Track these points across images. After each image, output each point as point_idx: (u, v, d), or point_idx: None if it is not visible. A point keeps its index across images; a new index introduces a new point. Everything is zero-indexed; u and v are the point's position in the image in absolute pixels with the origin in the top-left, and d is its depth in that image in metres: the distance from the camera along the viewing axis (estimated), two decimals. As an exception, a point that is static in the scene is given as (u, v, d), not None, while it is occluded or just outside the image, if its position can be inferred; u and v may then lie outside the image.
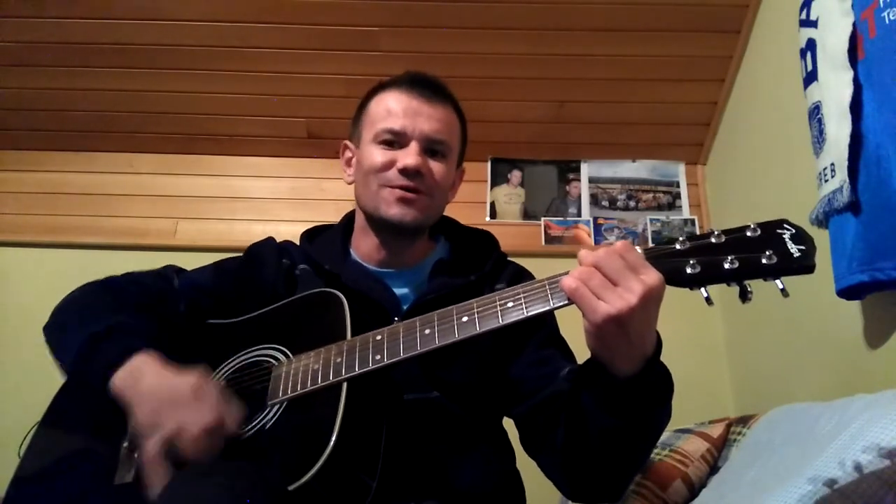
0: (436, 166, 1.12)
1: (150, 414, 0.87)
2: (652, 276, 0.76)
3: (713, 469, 1.30)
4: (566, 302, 0.80)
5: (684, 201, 2.44)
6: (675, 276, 0.78)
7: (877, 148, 1.24)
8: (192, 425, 0.84)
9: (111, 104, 2.37)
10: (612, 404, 0.82)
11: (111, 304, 1.06)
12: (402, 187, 1.09)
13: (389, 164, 1.09)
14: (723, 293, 2.16)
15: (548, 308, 0.82)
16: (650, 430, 0.87)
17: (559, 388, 0.99)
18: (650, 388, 0.81)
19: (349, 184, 1.20)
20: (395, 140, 1.11)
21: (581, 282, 0.77)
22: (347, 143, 1.22)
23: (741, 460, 1.19)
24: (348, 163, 1.21)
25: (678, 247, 0.79)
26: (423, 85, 1.14)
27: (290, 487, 0.80)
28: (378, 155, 1.10)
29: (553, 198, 2.46)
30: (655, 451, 1.38)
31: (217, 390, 0.91)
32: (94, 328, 0.98)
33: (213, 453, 0.85)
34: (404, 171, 1.08)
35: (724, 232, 0.78)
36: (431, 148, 1.12)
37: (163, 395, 0.88)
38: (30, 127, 2.46)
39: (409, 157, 1.08)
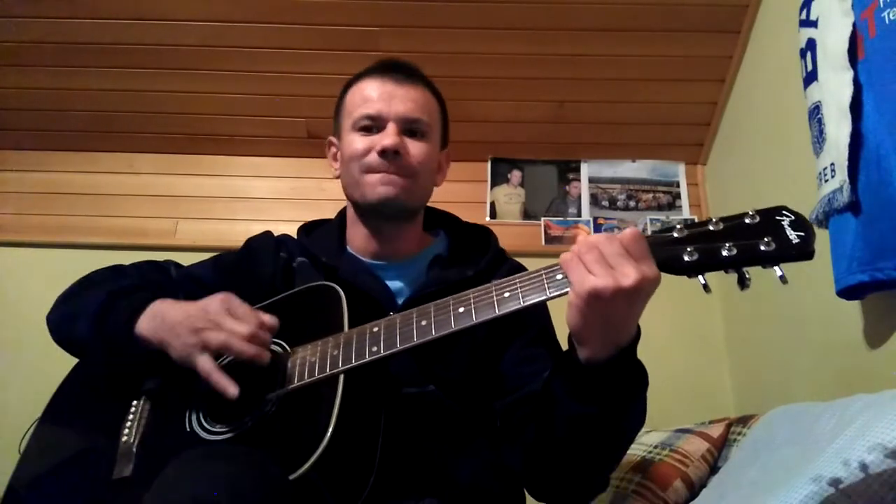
0: (415, 146, 1.12)
1: (190, 336, 0.91)
2: (651, 268, 0.76)
3: (713, 469, 1.30)
4: (562, 291, 0.80)
5: (684, 201, 2.43)
6: (672, 264, 0.78)
7: (877, 148, 1.24)
8: (238, 331, 0.89)
9: (111, 104, 2.36)
10: (579, 390, 0.82)
11: (118, 276, 1.11)
12: (383, 171, 1.09)
13: (369, 149, 1.11)
14: (723, 293, 2.18)
15: (544, 297, 0.82)
16: (617, 425, 0.86)
17: (540, 386, 0.98)
18: (619, 379, 0.81)
19: (336, 178, 1.21)
20: (373, 125, 1.12)
21: (576, 255, 0.78)
22: (331, 138, 1.23)
23: (741, 460, 1.19)
24: (334, 157, 1.23)
25: (676, 234, 0.79)
26: (395, 69, 1.15)
27: (290, 477, 0.80)
28: (357, 142, 1.12)
29: (553, 198, 2.46)
30: (655, 450, 1.38)
31: (242, 302, 0.95)
32: (109, 288, 1.03)
33: (266, 352, 0.91)
34: (383, 153, 1.09)
35: (723, 219, 0.78)
36: (409, 128, 1.13)
37: (196, 317, 0.92)
38: (30, 127, 2.45)
39: (386, 138, 1.09)
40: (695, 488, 1.27)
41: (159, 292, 1.06)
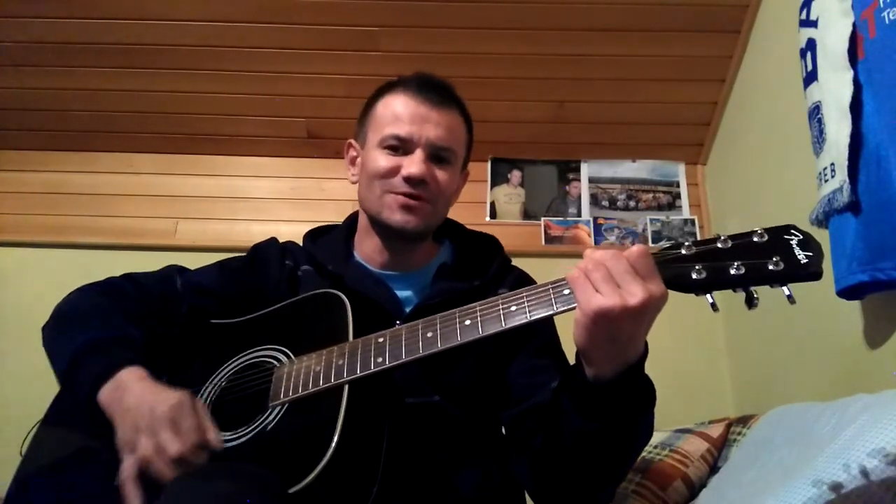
0: (440, 173, 1.11)
1: (129, 432, 0.87)
2: (658, 286, 0.75)
3: (713, 469, 1.30)
4: (570, 306, 0.80)
5: (684, 201, 2.43)
6: (680, 282, 0.77)
7: (877, 148, 1.24)
8: (168, 449, 0.83)
9: (111, 104, 2.37)
10: (586, 406, 0.82)
11: (106, 311, 1.05)
12: (405, 194, 1.08)
13: (394, 171, 1.09)
14: (723, 293, 2.17)
15: (551, 312, 0.81)
16: (624, 440, 0.86)
17: (547, 398, 0.98)
18: (626, 396, 0.81)
19: (353, 183, 1.20)
20: (400, 146, 1.10)
21: (583, 272, 0.77)
22: (352, 142, 1.21)
23: (741, 460, 1.19)
24: (352, 162, 1.21)
25: (684, 251, 0.78)
26: (431, 89, 1.13)
27: (291, 490, 0.80)
28: (383, 160, 1.10)
29: (553, 198, 2.46)
30: (655, 450, 1.38)
31: (198, 410, 0.88)
32: (85, 338, 0.98)
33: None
34: (408, 180, 1.08)
35: (731, 237, 0.77)
36: (437, 155, 1.11)
37: (142, 414, 0.86)
38: (30, 127, 2.45)
39: (413, 165, 1.08)
40: (695, 488, 1.27)
41: (147, 330, 1.03)
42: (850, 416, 0.89)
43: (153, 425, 0.85)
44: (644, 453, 1.40)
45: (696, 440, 1.35)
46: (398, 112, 1.11)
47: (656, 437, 1.44)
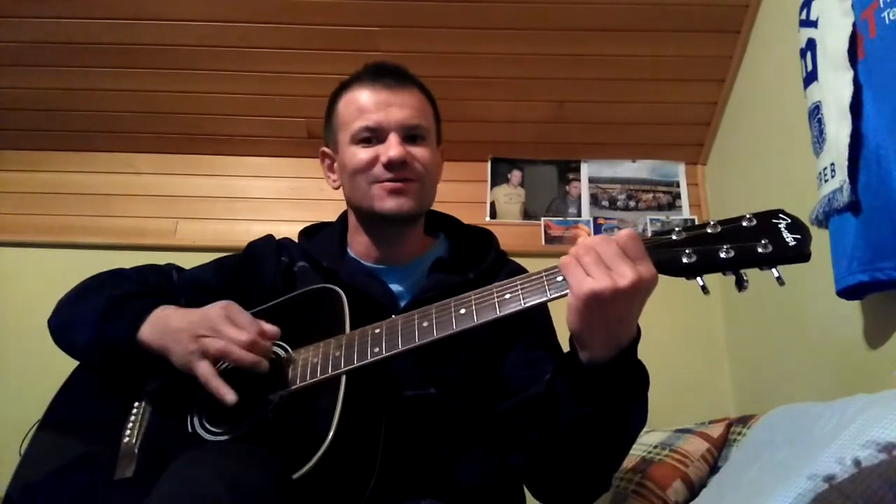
0: (418, 151, 1.12)
1: (190, 343, 0.92)
2: (648, 268, 0.76)
3: (713, 469, 1.30)
4: (563, 292, 0.81)
5: (684, 201, 2.44)
6: (670, 266, 0.78)
7: (877, 148, 1.24)
8: (238, 339, 0.90)
9: (111, 104, 2.36)
10: (581, 391, 0.82)
11: (115, 283, 1.11)
12: (390, 180, 1.09)
13: (373, 161, 1.10)
14: (723, 293, 2.18)
15: (544, 298, 0.83)
16: (619, 425, 0.86)
17: (542, 390, 0.98)
18: (620, 380, 0.81)
19: (335, 189, 1.21)
20: (372, 136, 1.11)
21: (574, 257, 0.78)
22: (325, 150, 1.22)
23: (741, 460, 1.19)
24: (330, 168, 1.22)
25: (674, 237, 0.80)
26: (385, 74, 1.14)
27: (293, 477, 0.81)
28: (360, 154, 1.11)
29: (553, 198, 2.46)
30: (655, 450, 1.38)
31: (242, 310, 0.96)
32: (109, 295, 1.03)
33: (264, 360, 0.91)
34: (389, 165, 1.09)
35: (720, 222, 0.79)
36: (410, 135, 1.12)
37: (197, 324, 0.93)
38: (30, 127, 2.45)
39: (390, 149, 1.09)
40: (695, 488, 1.27)
41: (161, 297, 1.06)
42: (849, 416, 0.89)
43: (213, 326, 0.92)
44: (644, 453, 1.40)
45: (696, 440, 1.35)
46: (361, 104, 1.12)
47: (656, 437, 1.44)
